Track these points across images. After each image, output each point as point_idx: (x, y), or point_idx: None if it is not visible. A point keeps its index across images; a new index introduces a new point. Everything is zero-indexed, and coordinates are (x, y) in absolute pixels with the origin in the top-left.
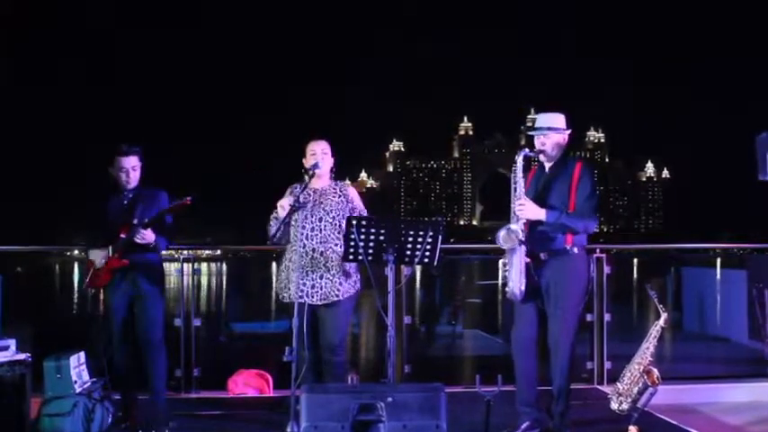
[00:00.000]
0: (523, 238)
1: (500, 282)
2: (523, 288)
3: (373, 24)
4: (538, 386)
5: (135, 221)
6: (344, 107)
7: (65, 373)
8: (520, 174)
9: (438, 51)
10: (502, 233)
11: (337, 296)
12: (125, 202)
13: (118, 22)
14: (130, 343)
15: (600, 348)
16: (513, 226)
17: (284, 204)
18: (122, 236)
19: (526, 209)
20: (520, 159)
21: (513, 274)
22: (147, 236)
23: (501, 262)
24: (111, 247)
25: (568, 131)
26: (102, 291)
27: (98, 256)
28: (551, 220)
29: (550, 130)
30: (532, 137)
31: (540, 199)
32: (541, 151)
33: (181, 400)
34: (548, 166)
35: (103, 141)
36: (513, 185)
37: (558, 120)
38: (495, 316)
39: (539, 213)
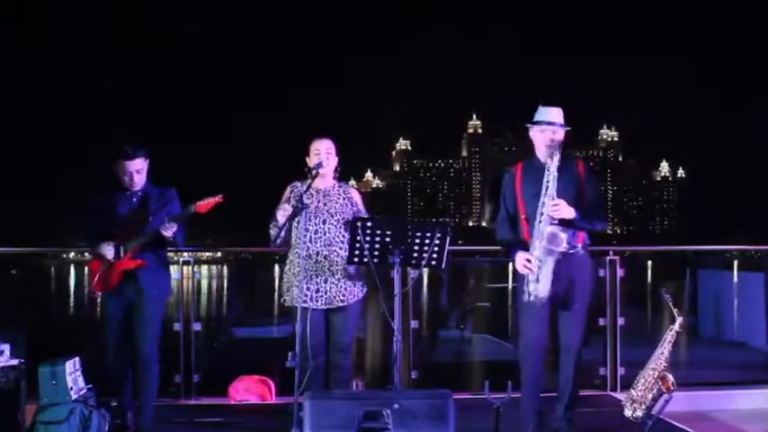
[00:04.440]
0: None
1: (510, 285)
2: (548, 291)
3: (375, 23)
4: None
5: (150, 219)
6: (349, 105)
7: (60, 380)
8: (555, 173)
9: (444, 49)
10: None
11: (342, 300)
12: (134, 200)
13: (117, 21)
14: (128, 349)
15: (613, 354)
16: (556, 231)
17: (286, 209)
18: (136, 234)
19: (561, 209)
20: (557, 159)
21: (546, 274)
22: (171, 229)
23: (524, 258)
24: (122, 247)
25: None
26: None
27: (108, 255)
28: (578, 219)
29: (562, 126)
30: (526, 128)
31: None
32: (551, 146)
33: (180, 407)
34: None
35: (104, 141)
36: (545, 184)
37: (562, 116)
38: (504, 320)
39: (570, 213)
